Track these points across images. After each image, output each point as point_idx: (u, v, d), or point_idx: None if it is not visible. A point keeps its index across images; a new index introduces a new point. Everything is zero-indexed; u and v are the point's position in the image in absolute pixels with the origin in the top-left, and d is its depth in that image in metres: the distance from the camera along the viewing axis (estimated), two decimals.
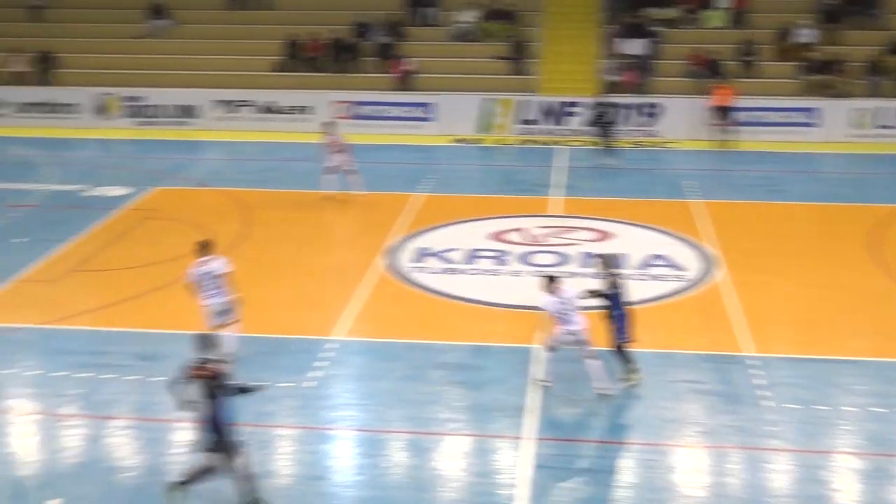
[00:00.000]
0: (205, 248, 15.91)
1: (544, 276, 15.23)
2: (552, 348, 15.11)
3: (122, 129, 34.35)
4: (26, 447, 13.90)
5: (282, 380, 15.49)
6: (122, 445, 13.94)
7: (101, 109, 34.91)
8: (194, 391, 11.65)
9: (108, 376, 15.79)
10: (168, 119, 34.65)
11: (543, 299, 14.96)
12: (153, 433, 14.14)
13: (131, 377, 15.75)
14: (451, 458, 13.57)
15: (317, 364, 16.09)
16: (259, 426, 14.04)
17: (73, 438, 14.09)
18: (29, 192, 26.38)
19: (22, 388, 15.60)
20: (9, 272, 20.42)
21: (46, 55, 36.10)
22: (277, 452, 13.63)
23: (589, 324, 15.00)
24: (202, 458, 11.88)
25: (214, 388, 11.61)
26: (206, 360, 11.74)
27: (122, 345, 16.96)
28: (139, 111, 34.78)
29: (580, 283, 16.79)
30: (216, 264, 15.73)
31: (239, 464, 11.90)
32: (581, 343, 14.89)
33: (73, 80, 35.77)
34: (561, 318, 14.85)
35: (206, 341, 12.00)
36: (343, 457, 13.53)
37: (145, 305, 18.75)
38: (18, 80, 35.90)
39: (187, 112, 34.56)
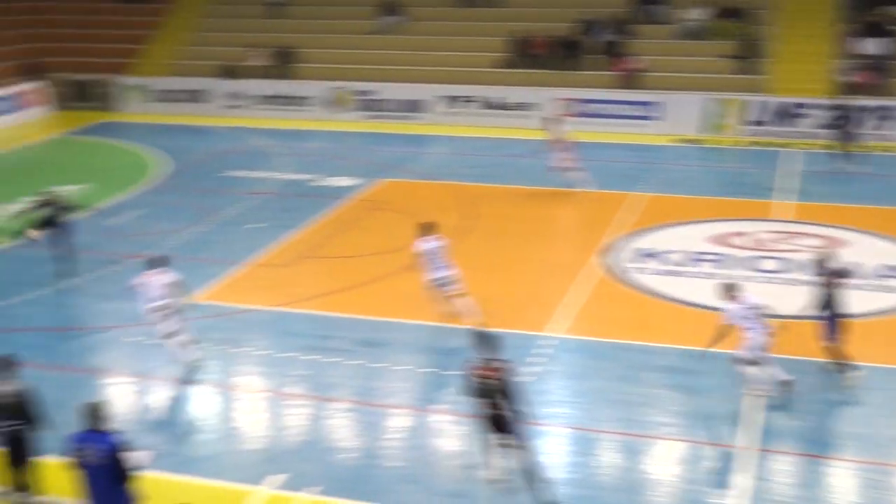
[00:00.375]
0: (427, 228, 17.44)
1: (723, 284, 14.77)
2: (752, 362, 14.58)
3: (352, 122, 35.52)
4: (253, 423, 14.63)
5: None
6: (342, 427, 14.46)
7: (334, 103, 36.22)
8: (477, 389, 11.82)
9: (332, 360, 16.42)
10: (396, 113, 35.58)
11: (726, 307, 14.52)
12: (372, 417, 14.60)
13: (354, 362, 16.32)
14: (664, 462, 13.38)
15: (531, 360, 16.19)
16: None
17: (296, 417, 14.74)
18: (265, 181, 27.67)
19: (252, 367, 16.43)
20: (245, 255, 21.50)
21: (285, 50, 37.74)
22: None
23: (772, 330, 14.47)
24: (491, 456, 12.21)
25: (500, 386, 11.68)
26: (490, 360, 11.82)
27: (346, 330, 17.58)
28: (369, 105, 35.86)
29: (792, 291, 16.22)
30: (438, 242, 17.31)
31: (525, 460, 12.11)
32: (764, 350, 14.40)
33: (308, 75, 37.28)
34: (746, 326, 14.39)
35: (485, 339, 12.00)
36: (555, 453, 13.56)
37: (370, 293, 19.35)
38: (258, 73, 37.68)
39: (414, 106, 35.38)
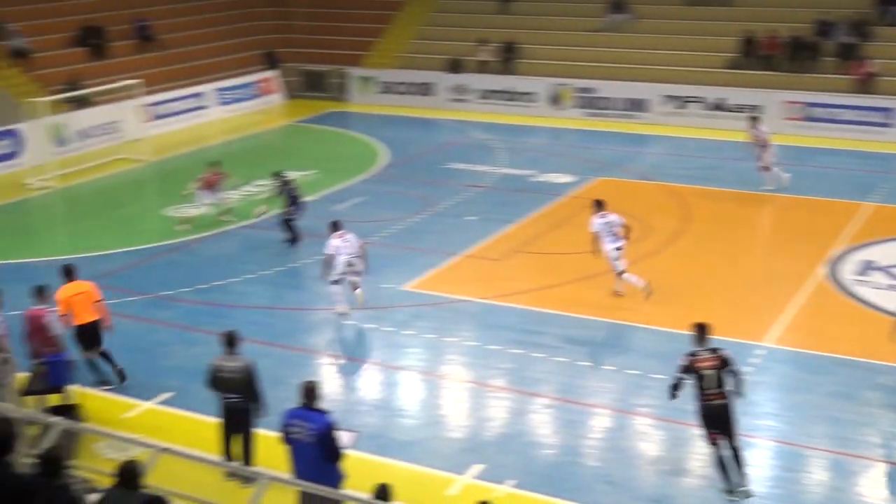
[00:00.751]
0: (600, 205, 18.76)
1: None
2: None
3: (572, 119, 35.40)
4: (456, 412, 14.84)
5: None
6: (543, 423, 14.47)
7: (555, 99, 36.20)
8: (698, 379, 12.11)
9: (537, 355, 16.45)
10: (617, 111, 35.22)
11: None
12: (573, 415, 14.54)
13: (559, 359, 16.29)
14: (876, 485, 12.71)
15: (742, 368, 15.72)
16: (679, 423, 13.98)
17: (498, 410, 14.86)
18: (483, 174, 27.98)
19: (458, 356, 16.66)
20: (460, 247, 21.81)
21: (510, 45, 38.00)
22: (691, 450, 13.48)
23: None
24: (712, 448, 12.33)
25: (726, 373, 12.10)
26: (714, 350, 12.21)
27: (554, 326, 17.56)
28: (590, 102, 35.64)
29: None
30: (613, 217, 18.54)
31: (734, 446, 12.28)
32: None
33: (532, 70, 37.40)
34: None
35: (703, 330, 12.40)
36: (762, 466, 13.11)
37: (579, 291, 19.26)
38: (483, 68, 38.12)
39: (636, 105, 34.92)
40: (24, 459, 10.90)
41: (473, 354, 16.65)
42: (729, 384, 12.14)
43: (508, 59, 37.94)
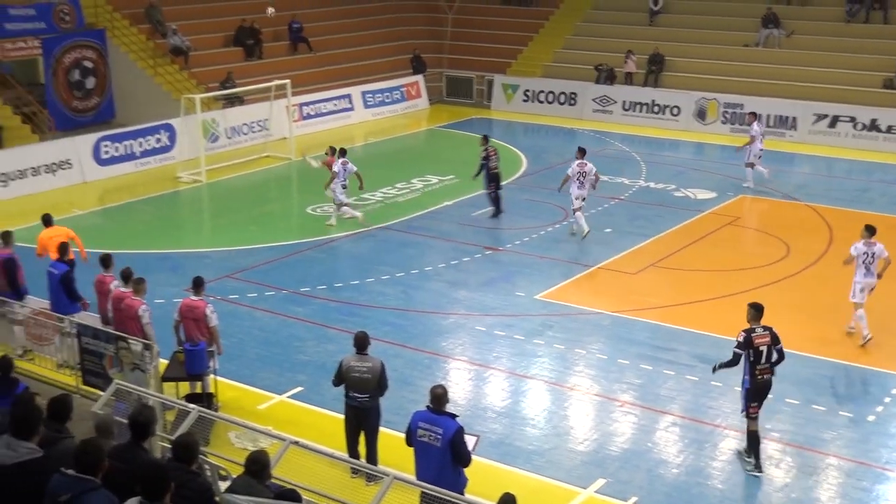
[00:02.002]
0: (583, 152, 21.15)
1: None
2: None
3: (717, 135, 34.72)
4: (583, 424, 14.74)
5: (843, 408, 14.90)
6: (671, 441, 14.24)
7: (701, 113, 35.59)
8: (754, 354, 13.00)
9: (667, 372, 16.22)
10: (763, 128, 34.37)
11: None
12: (702, 435, 14.28)
13: (690, 377, 16.02)
14: None
15: (887, 399, 15.20)
16: (810, 451, 13.62)
17: (625, 425, 14.69)
18: (623, 186, 27.72)
19: (589, 369, 16.54)
20: (595, 259, 21.67)
21: (657, 57, 37.53)
22: (825, 482, 13.10)
23: None
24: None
25: (770, 351, 13.11)
26: (766, 327, 12.99)
27: (686, 344, 17.28)
28: (737, 118, 34.92)
29: None
30: (589, 167, 21.08)
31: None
32: None
33: (678, 83, 36.87)
34: None
35: (758, 309, 13.22)
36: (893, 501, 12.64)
37: (715, 309, 18.90)
38: (629, 79, 37.76)
39: (784, 123, 34.03)
40: (161, 444, 11.34)
41: (602, 367, 16.51)
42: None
43: (655, 71, 37.49)
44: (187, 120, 30.49)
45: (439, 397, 10.76)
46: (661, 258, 21.75)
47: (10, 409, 8.36)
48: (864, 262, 17.17)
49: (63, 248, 16.13)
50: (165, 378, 14.14)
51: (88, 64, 32.95)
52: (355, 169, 23.72)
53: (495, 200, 24.74)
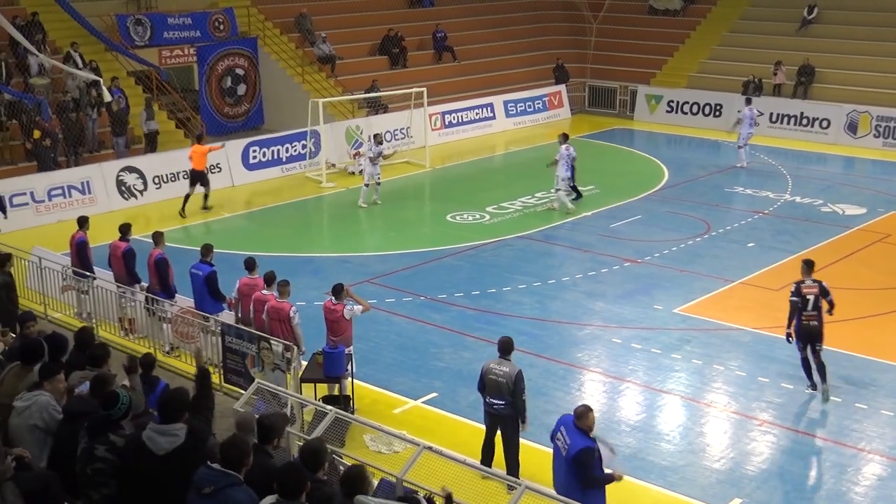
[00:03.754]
0: (566, 137, 21.29)
1: None
2: None
3: (869, 149, 33.57)
4: (720, 442, 14.44)
5: None
6: (811, 464, 13.83)
7: (852, 126, 34.45)
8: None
9: (810, 392, 15.75)
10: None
11: None
12: (844, 459, 13.83)
13: (834, 398, 15.54)
14: None
15: None
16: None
17: (764, 444, 14.34)
18: (768, 200, 27.07)
19: (727, 386, 16.20)
20: (737, 273, 21.23)
21: (807, 69, 36.49)
22: None
23: None
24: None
25: (815, 300, 15.46)
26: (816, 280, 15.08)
27: (830, 364, 16.64)
28: (891, 132, 33.67)
29: None
30: (572, 151, 21.35)
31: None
32: None
33: (828, 96, 35.79)
34: None
35: (809, 265, 15.45)
36: None
37: (862, 329, 18.31)
38: (778, 91, 36.84)
39: None
40: (297, 443, 11.60)
41: (741, 385, 16.16)
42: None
43: (804, 82, 36.48)
44: (332, 127, 31.10)
45: (580, 416, 10.68)
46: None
47: (157, 402, 8.68)
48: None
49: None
50: (304, 379, 14.45)
51: (240, 71, 34.03)
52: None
53: (576, 189, 26.57)
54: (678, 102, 38.31)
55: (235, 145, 29.65)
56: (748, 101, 31.81)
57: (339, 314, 14.57)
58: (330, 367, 14.29)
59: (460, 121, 36.13)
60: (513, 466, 12.75)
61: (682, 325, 18.48)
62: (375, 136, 26.40)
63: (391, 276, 21.25)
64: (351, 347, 14.85)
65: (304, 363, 14.82)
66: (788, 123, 35.82)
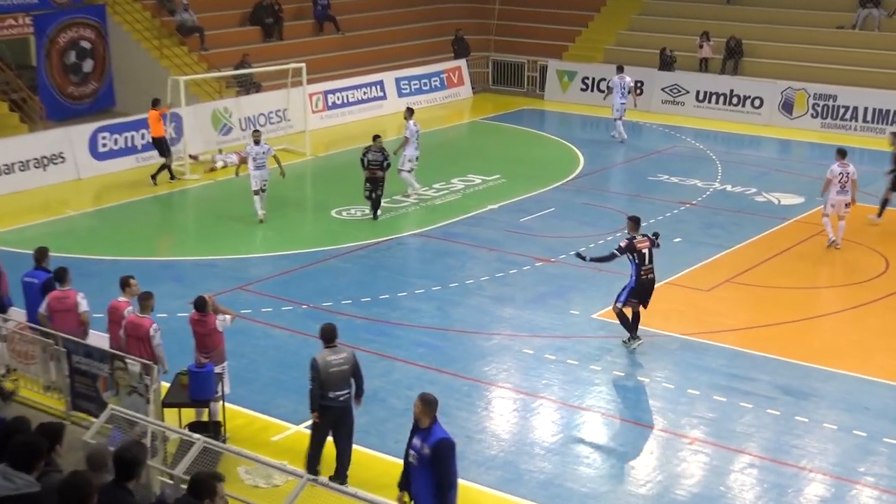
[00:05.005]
0: (621, 69, 22.37)
1: None
2: None
3: (806, 130, 34.48)
4: (646, 463, 14.65)
5: None
6: (748, 485, 14.10)
7: (787, 106, 35.33)
8: None
9: (745, 405, 16.09)
10: (861, 123, 34.08)
11: None
12: (783, 479, 14.14)
13: (771, 411, 15.89)
14: None
15: None
16: None
17: (695, 465, 14.58)
18: (695, 189, 27.58)
19: (653, 400, 16.45)
20: (662, 273, 21.37)
21: (736, 41, 37.24)
22: None
23: None
24: None
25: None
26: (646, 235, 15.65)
27: (766, 373, 17.14)
28: (830, 111, 34.63)
29: None
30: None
31: None
32: None
33: (759, 71, 36.64)
34: None
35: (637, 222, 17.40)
36: None
37: (802, 332, 18.78)
38: (704, 66, 37.57)
39: (885, 117, 33.68)
40: (160, 478, 11.42)
41: (669, 399, 16.41)
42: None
43: (731, 57, 37.28)
44: (196, 109, 30.73)
45: (424, 402, 10.99)
46: (739, 273, 21.62)
47: (10, 438, 8.45)
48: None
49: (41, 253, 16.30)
50: (167, 403, 14.23)
51: (86, 44, 33.40)
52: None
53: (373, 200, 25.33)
54: (594, 79, 38.75)
55: (81, 132, 29.07)
56: (619, 69, 33.13)
57: (211, 326, 14.40)
58: (197, 388, 14.09)
59: (345, 101, 36.07)
60: (346, 463, 13.40)
61: (602, 332, 18.70)
62: (255, 132, 25.57)
63: (267, 281, 21.07)
64: (224, 365, 14.70)
65: (167, 385, 14.59)
66: (717, 102, 36.60)
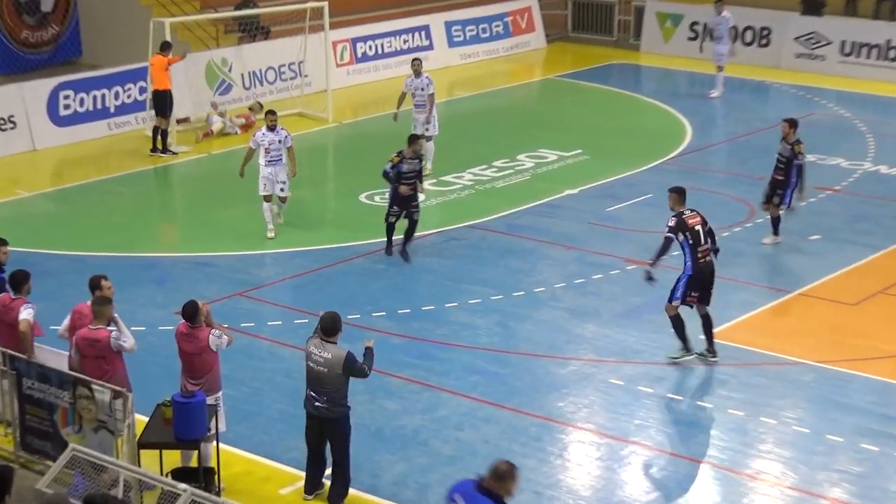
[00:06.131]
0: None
1: None
2: None
3: None
4: None
5: None
6: None
7: None
8: None
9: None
10: None
11: None
12: None
13: None
14: None
15: None
16: None
17: None
18: (839, 170, 27.45)
19: (782, 448, 16.29)
20: (793, 281, 21.45)
21: None
22: None
23: None
24: None
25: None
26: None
27: None
28: None
29: None
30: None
31: None
32: None
33: None
34: None
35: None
36: None
37: None
38: (852, 8, 37.21)
39: None
40: None
41: (802, 447, 16.28)
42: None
43: None
44: (188, 60, 30.84)
45: (501, 475, 10.77)
46: (893, 283, 21.49)
47: None
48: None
49: None
50: (145, 443, 14.27)
51: None
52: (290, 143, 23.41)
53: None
54: (705, 25, 38.46)
55: (37, 89, 29.35)
56: (718, 4, 33.75)
57: (203, 342, 14.41)
58: (184, 424, 14.12)
59: (379, 52, 36.11)
60: (342, 489, 13.96)
61: (714, 358, 18.60)
62: (268, 114, 23.75)
63: (276, 286, 21.15)
64: (218, 395, 14.73)
65: (144, 419, 14.65)
66: (868, 57, 36.31)
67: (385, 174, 22.04)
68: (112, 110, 30.18)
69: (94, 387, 14.02)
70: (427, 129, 26.11)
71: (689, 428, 16.73)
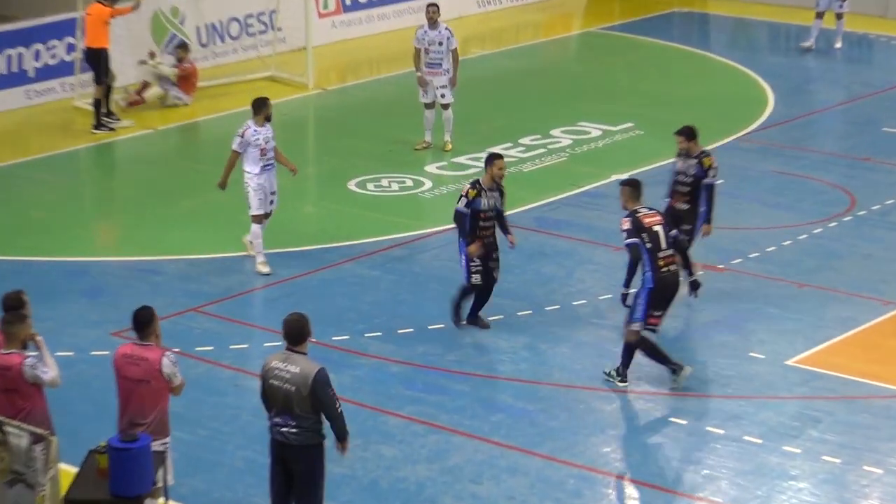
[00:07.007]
0: None
1: None
2: None
3: None
4: None
5: None
6: None
7: None
8: None
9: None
10: None
11: None
12: None
13: None
14: None
15: None
16: None
17: None
18: None
19: (884, 492, 16.33)
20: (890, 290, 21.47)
21: None
22: None
23: None
24: None
25: None
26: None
27: None
28: None
29: None
30: None
31: None
32: None
33: None
34: None
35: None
36: None
37: None
38: None
39: None
40: None
41: None
42: None
43: None
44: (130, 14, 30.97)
45: None
46: None
47: None
48: None
49: None
50: (72, 501, 14.30)
51: None
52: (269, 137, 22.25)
53: None
54: None
55: None
56: None
57: (155, 367, 14.35)
58: (123, 477, 14.16)
59: (373, 1, 36.10)
60: None
61: (804, 389, 18.62)
62: (258, 101, 22.28)
63: (241, 298, 21.19)
64: (166, 440, 14.74)
65: (72, 470, 14.69)
66: None
67: (459, 217, 20.04)
68: (31, 74, 30.28)
69: (8, 429, 14.04)
70: (444, 96, 26.16)
71: (772, 480, 16.71)
